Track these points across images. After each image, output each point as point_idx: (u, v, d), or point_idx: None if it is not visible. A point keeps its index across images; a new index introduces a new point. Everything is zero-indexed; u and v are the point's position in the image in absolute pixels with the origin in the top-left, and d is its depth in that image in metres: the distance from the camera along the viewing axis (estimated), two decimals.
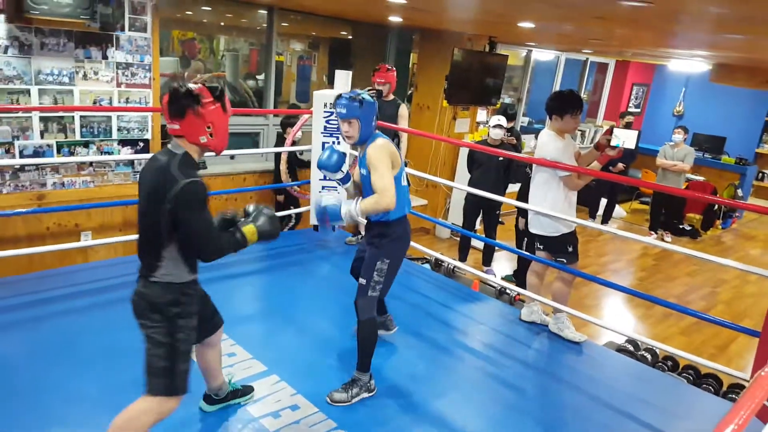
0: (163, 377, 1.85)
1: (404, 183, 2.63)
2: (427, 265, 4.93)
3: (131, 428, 1.83)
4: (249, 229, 1.93)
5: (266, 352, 2.91)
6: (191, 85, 1.79)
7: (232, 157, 5.27)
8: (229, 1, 5.54)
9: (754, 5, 2.63)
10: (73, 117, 3.94)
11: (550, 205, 3.31)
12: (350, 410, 2.54)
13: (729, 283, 6.50)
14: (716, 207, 8.68)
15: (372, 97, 2.50)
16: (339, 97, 2.47)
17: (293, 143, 4.85)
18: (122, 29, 3.97)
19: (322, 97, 4.28)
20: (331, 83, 4.72)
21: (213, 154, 1.96)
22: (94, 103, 3.99)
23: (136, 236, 3.72)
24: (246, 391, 2.53)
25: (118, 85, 4.07)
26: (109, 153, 4.16)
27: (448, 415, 2.60)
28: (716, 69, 8.05)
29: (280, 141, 5.12)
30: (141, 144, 4.30)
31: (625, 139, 3.02)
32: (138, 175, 1.95)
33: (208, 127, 1.83)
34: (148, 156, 4.28)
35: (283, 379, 2.70)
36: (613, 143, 3.12)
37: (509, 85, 9.06)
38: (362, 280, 2.60)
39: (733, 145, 9.56)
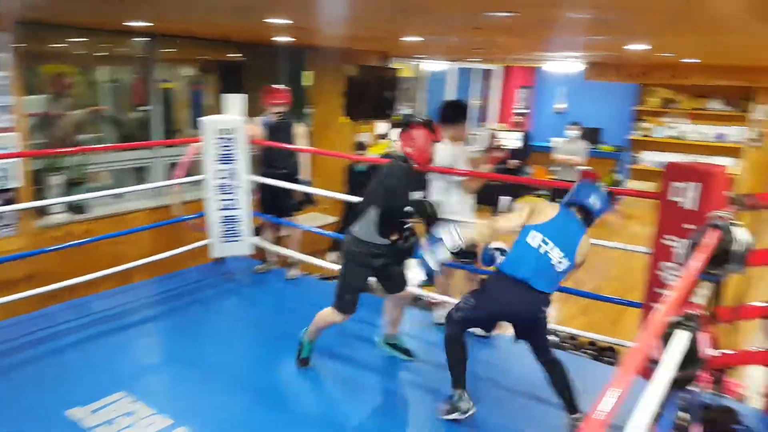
0: (336, 297, 2.85)
1: None
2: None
3: (320, 320, 2.94)
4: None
5: (171, 403, 2.71)
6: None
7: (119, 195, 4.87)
8: (100, 31, 5.24)
9: (604, 10, 2.92)
10: None
11: (451, 209, 3.44)
12: None
13: (618, 259, 7.07)
14: None
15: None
16: (594, 190, 2.68)
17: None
18: None
19: (212, 123, 4.13)
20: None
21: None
22: None
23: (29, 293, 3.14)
24: (407, 353, 3.19)
25: None
26: None
27: None
28: (590, 67, 8.83)
29: None
30: (10, 193, 3.92)
31: (508, 140, 3.23)
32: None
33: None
34: (15, 207, 3.90)
35: (194, 430, 2.52)
36: (495, 145, 3.33)
37: (406, 97, 9.34)
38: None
39: (609, 134, 10.51)
